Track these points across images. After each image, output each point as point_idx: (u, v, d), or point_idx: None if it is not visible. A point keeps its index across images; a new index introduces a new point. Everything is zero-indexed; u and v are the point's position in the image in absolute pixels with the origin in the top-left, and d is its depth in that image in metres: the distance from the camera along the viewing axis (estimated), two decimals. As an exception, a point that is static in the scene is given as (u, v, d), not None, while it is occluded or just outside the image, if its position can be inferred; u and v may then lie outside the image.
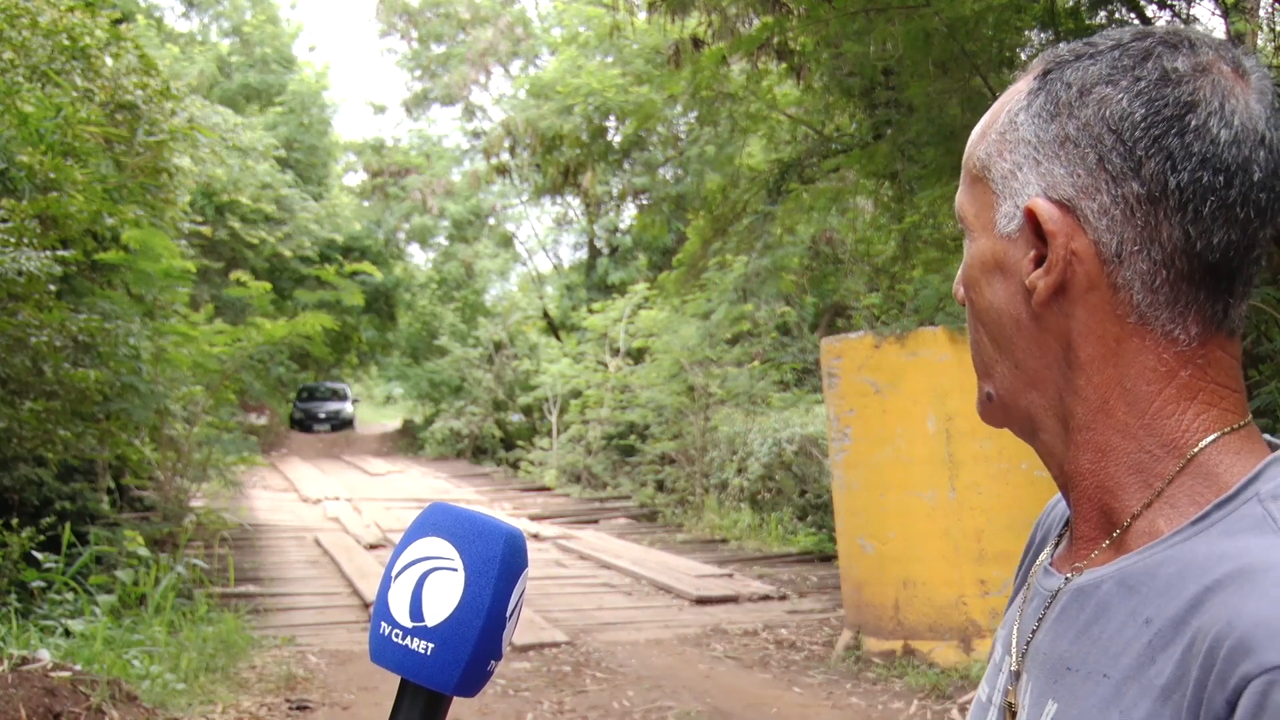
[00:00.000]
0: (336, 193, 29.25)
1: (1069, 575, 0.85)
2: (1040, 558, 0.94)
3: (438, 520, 0.83)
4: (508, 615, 0.81)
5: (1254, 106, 0.79)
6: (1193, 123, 0.78)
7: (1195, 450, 0.80)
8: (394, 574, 0.82)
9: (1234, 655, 0.68)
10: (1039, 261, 0.82)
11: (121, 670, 5.70)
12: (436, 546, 0.82)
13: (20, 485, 8.45)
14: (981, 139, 0.87)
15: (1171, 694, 0.72)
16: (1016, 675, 0.87)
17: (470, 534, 0.82)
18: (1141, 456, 0.81)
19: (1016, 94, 0.86)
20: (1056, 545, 0.92)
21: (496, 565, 0.80)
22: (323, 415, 31.74)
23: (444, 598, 0.80)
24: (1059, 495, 0.99)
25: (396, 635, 0.80)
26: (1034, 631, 0.86)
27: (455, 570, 0.80)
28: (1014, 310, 0.84)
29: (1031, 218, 0.81)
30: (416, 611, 0.80)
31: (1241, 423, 0.81)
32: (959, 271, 0.90)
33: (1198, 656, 0.70)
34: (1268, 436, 0.84)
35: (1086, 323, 0.81)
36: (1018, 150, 0.83)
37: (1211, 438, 0.80)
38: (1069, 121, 0.81)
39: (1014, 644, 0.89)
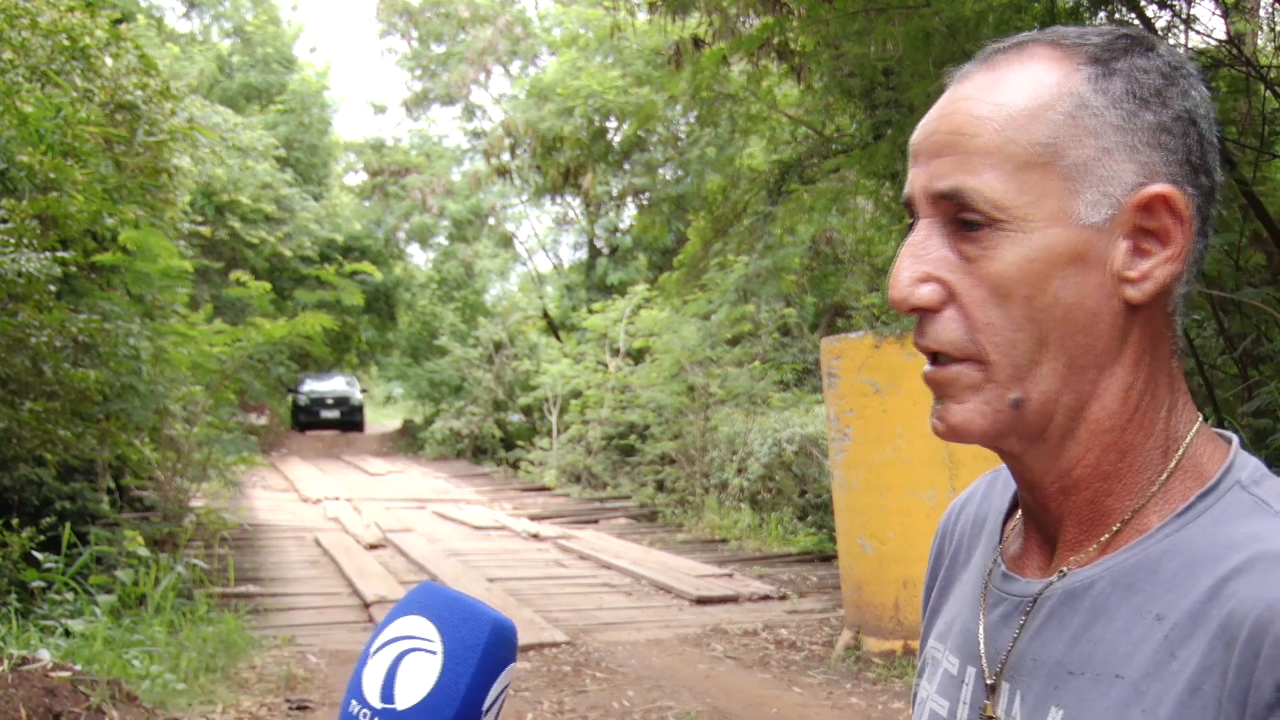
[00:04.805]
0: (336, 192, 29.23)
1: (1053, 579, 0.82)
2: (978, 561, 0.91)
3: (424, 600, 0.79)
4: (484, 709, 0.77)
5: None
6: (1216, 132, 0.80)
7: (1185, 446, 0.80)
8: (372, 650, 0.78)
9: None
10: (1137, 252, 0.79)
11: (121, 670, 5.70)
12: (419, 626, 0.77)
13: (20, 485, 8.44)
14: (1032, 120, 0.79)
15: (1199, 687, 0.71)
16: (992, 688, 0.84)
17: (455, 617, 0.77)
18: (1153, 455, 0.81)
19: (1073, 77, 0.80)
20: (999, 547, 0.90)
21: (478, 653, 0.76)
22: (331, 400, 29.50)
23: (418, 681, 0.76)
24: (962, 499, 0.98)
25: (364, 715, 0.76)
26: (1014, 640, 0.83)
27: (434, 654, 0.76)
28: (1092, 304, 0.79)
29: (1156, 204, 0.78)
30: (388, 693, 0.76)
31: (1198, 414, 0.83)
32: (979, 275, 0.80)
33: (1235, 644, 0.69)
34: (1217, 430, 0.85)
35: (1148, 318, 0.80)
36: (1104, 136, 0.78)
37: (1192, 431, 0.81)
38: (1163, 110, 0.79)
39: (982, 654, 0.85)
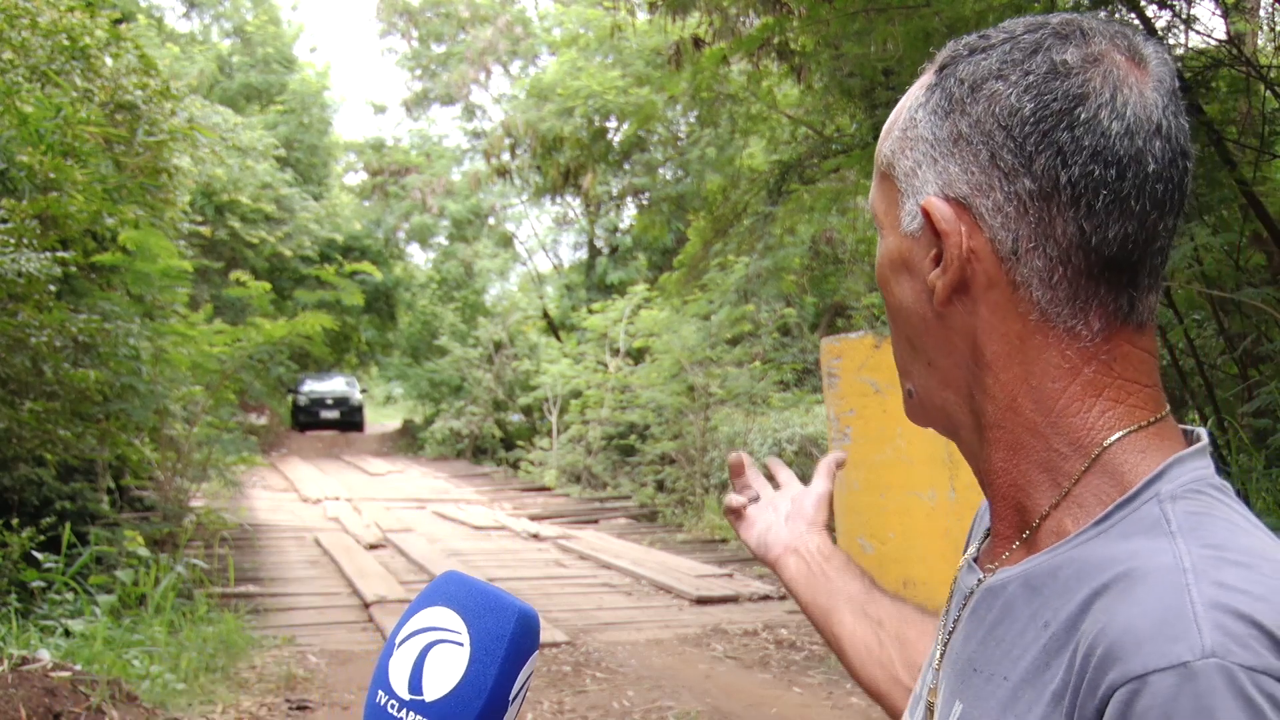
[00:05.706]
0: (336, 192, 29.23)
1: (983, 575, 0.84)
2: (967, 553, 0.93)
3: (449, 590, 0.80)
4: (511, 698, 0.77)
5: (1149, 95, 0.78)
6: (1082, 116, 0.76)
7: (1100, 449, 0.78)
8: (397, 641, 0.79)
9: (1103, 663, 0.67)
10: (939, 260, 0.81)
11: (121, 670, 5.70)
12: (444, 617, 0.78)
13: (20, 485, 8.44)
14: (887, 136, 0.86)
15: (1061, 699, 0.71)
16: (936, 673, 0.86)
17: (481, 608, 0.78)
18: (1050, 455, 0.79)
19: (918, 89, 0.84)
20: (983, 542, 0.91)
21: (505, 644, 0.77)
22: (330, 401, 29.58)
23: (446, 672, 0.76)
24: None
25: (392, 706, 0.77)
26: (951, 630, 0.85)
27: (461, 645, 0.77)
28: (920, 309, 0.83)
29: (928, 216, 0.81)
30: (416, 684, 0.77)
31: (1153, 418, 0.79)
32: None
33: (1076, 663, 0.70)
34: (1199, 429, 0.82)
35: (989, 321, 0.80)
36: (917, 148, 0.82)
37: (1117, 435, 0.78)
38: (961, 119, 0.80)
39: (939, 642, 0.88)
